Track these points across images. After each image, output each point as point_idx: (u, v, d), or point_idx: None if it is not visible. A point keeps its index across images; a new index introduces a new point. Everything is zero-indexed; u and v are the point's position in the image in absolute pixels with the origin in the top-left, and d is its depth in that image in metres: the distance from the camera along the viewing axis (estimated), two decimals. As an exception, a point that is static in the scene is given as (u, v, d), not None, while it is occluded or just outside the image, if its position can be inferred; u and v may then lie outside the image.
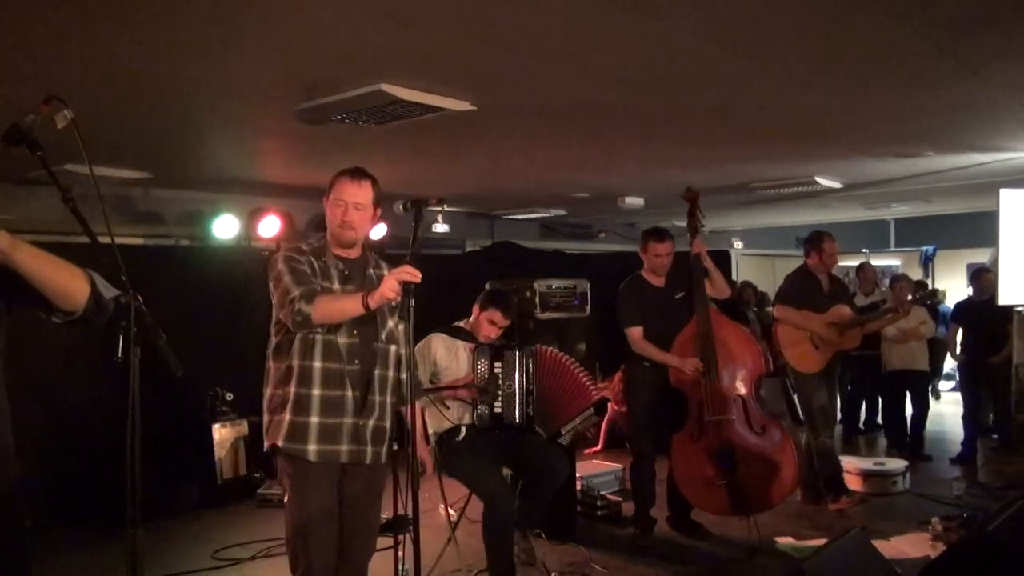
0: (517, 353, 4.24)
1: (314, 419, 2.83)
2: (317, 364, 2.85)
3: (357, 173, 2.99)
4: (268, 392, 2.95)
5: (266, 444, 2.93)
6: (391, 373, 3.03)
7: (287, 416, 2.84)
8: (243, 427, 6.61)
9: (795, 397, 6.05)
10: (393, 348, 3.03)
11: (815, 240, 5.80)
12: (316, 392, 2.84)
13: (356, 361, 2.89)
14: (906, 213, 11.81)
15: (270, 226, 7.32)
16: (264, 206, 7.36)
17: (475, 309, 4.45)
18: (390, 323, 3.00)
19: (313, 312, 2.75)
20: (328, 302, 2.80)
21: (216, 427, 6.45)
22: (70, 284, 1.97)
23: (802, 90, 4.29)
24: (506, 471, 4.40)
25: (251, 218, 7.26)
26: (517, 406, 4.21)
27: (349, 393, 2.87)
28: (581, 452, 7.11)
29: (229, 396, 6.59)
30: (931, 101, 4.62)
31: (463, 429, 4.20)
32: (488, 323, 4.35)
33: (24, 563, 2.09)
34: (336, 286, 2.92)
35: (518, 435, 4.27)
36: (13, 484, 2.06)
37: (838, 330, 5.66)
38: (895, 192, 8.83)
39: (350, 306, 2.78)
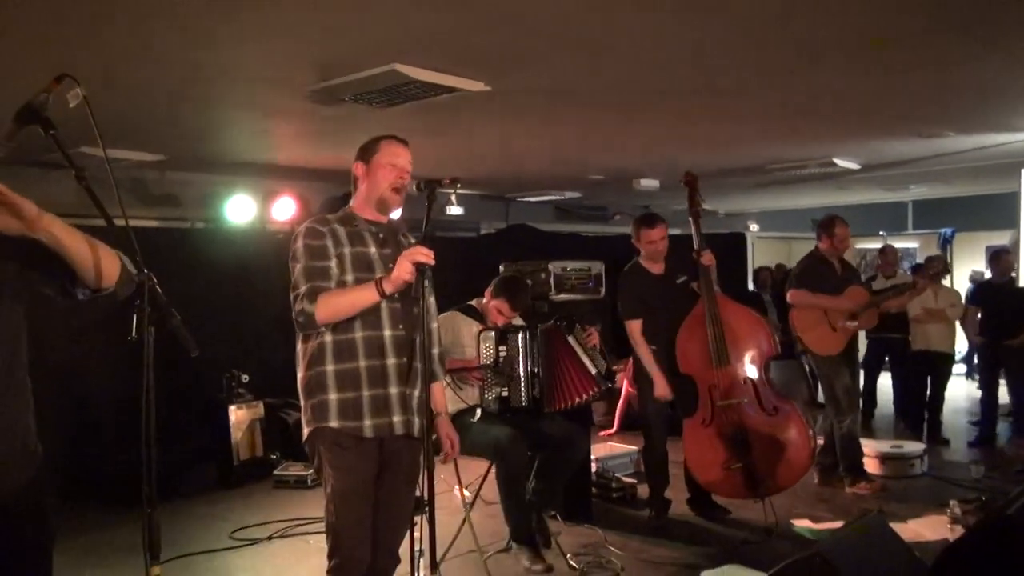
0: (521, 336, 4.22)
1: (365, 393, 2.73)
2: (359, 335, 2.74)
3: (404, 140, 2.92)
4: (301, 375, 2.82)
5: (307, 429, 2.80)
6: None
7: (332, 395, 2.74)
8: (259, 409, 6.65)
9: (815, 380, 6.04)
10: (426, 318, 2.99)
11: (827, 224, 5.78)
12: (362, 364, 2.73)
13: (400, 327, 2.79)
14: (925, 195, 11.69)
15: (285, 208, 7.33)
16: (278, 189, 7.37)
17: (487, 293, 4.45)
18: (425, 291, 2.97)
19: (317, 311, 2.66)
20: (335, 297, 2.69)
21: (232, 409, 6.48)
22: (104, 259, 1.98)
23: (820, 69, 4.24)
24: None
25: (266, 200, 7.27)
26: (523, 389, 4.20)
27: (393, 361, 2.77)
28: (596, 435, 7.11)
29: (245, 378, 6.62)
30: (952, 80, 4.55)
31: (478, 411, 4.21)
32: (496, 311, 4.37)
33: (49, 539, 2.12)
34: (372, 249, 2.81)
35: (532, 415, 4.27)
36: (37, 463, 2.08)
37: (855, 312, 5.63)
38: (914, 173, 8.74)
39: (363, 296, 2.69)
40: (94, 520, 5.36)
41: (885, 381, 8.48)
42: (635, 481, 5.73)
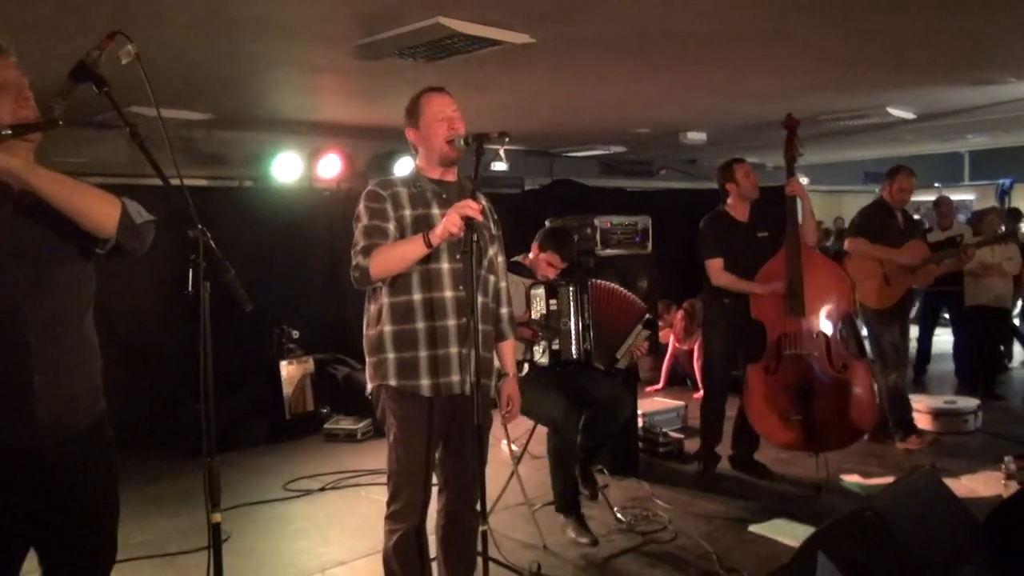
0: (572, 289, 4.23)
1: (422, 353, 2.76)
2: (416, 296, 2.77)
3: (442, 88, 2.91)
4: (366, 333, 2.89)
5: (370, 386, 2.89)
6: (491, 303, 2.99)
7: (391, 354, 2.79)
8: (309, 364, 6.77)
9: (863, 333, 5.93)
10: (492, 278, 2.98)
11: (892, 172, 5.67)
12: (420, 325, 2.76)
13: (460, 287, 2.80)
14: (982, 145, 11.33)
15: (330, 166, 7.37)
16: (324, 146, 7.40)
17: (534, 247, 4.44)
18: (491, 251, 2.96)
19: (371, 266, 2.69)
20: (387, 251, 2.72)
21: (283, 364, 6.62)
22: (95, 208, 1.96)
23: (874, 13, 4.09)
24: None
25: (312, 158, 7.31)
26: (574, 342, 4.22)
27: (452, 322, 2.79)
28: (642, 390, 7.11)
29: (295, 334, 6.74)
30: (1013, 22, 4.36)
31: (526, 365, 4.22)
32: (546, 264, 4.36)
33: (114, 488, 2.21)
34: (435, 210, 2.80)
35: (580, 371, 4.28)
36: (101, 415, 2.16)
37: (911, 268, 5.51)
38: (972, 123, 8.45)
39: (411, 249, 2.70)
40: (155, 469, 5.55)
41: (941, 336, 8.32)
42: (682, 436, 5.74)
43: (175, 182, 1.96)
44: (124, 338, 5.93)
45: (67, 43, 3.17)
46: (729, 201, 4.97)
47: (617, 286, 4.54)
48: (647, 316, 4.62)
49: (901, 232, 5.60)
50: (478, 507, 2.74)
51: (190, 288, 1.92)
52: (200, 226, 1.92)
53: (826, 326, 4.66)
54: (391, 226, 2.78)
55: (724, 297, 4.89)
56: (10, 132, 1.89)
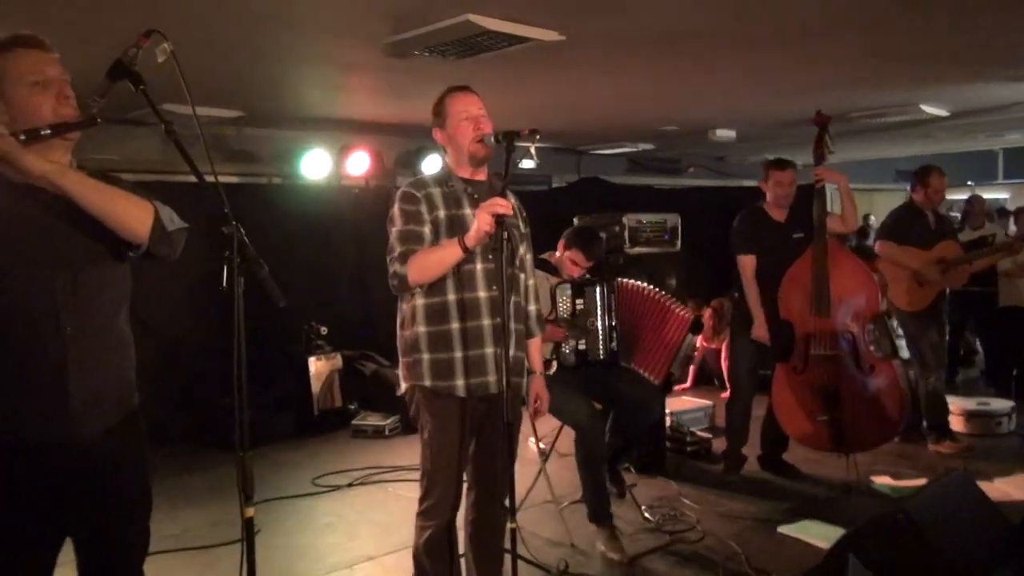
0: (599, 288, 4.20)
1: (458, 354, 2.78)
2: (451, 297, 2.78)
3: (466, 87, 2.91)
4: (399, 334, 2.90)
5: (404, 386, 2.90)
6: (522, 301, 2.99)
7: (426, 355, 2.80)
8: (337, 360, 6.82)
9: (895, 336, 5.86)
10: (522, 276, 2.99)
11: (922, 174, 5.54)
12: (455, 326, 2.78)
13: (494, 287, 2.80)
14: (1017, 142, 11.14)
15: (359, 163, 7.40)
16: (353, 144, 7.44)
17: (560, 245, 4.43)
18: (520, 249, 2.96)
19: (409, 273, 2.70)
20: (423, 257, 2.72)
21: (312, 360, 6.66)
22: (128, 214, 1.98)
23: (907, 8, 4.03)
24: (597, 406, 4.40)
25: (340, 156, 7.35)
26: (601, 342, 4.20)
27: (487, 322, 2.80)
28: (671, 389, 7.07)
29: (324, 330, 6.79)
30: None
31: (554, 364, 4.21)
32: (570, 262, 4.33)
33: (146, 482, 2.24)
34: (467, 211, 2.80)
35: (607, 370, 4.26)
36: (135, 410, 2.19)
37: (942, 268, 5.42)
38: (1008, 120, 8.32)
39: (448, 253, 2.70)
40: (186, 463, 5.62)
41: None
42: (709, 436, 5.71)
43: (209, 179, 1.98)
44: (156, 333, 6.00)
45: (101, 41, 3.20)
46: (768, 198, 4.93)
47: (661, 295, 4.43)
48: (696, 318, 4.56)
49: (932, 232, 5.52)
50: (507, 504, 2.75)
51: (224, 284, 1.94)
52: (234, 223, 1.94)
53: (853, 326, 4.61)
54: (426, 230, 2.77)
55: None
56: (49, 131, 1.91)
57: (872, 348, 4.67)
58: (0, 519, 1.99)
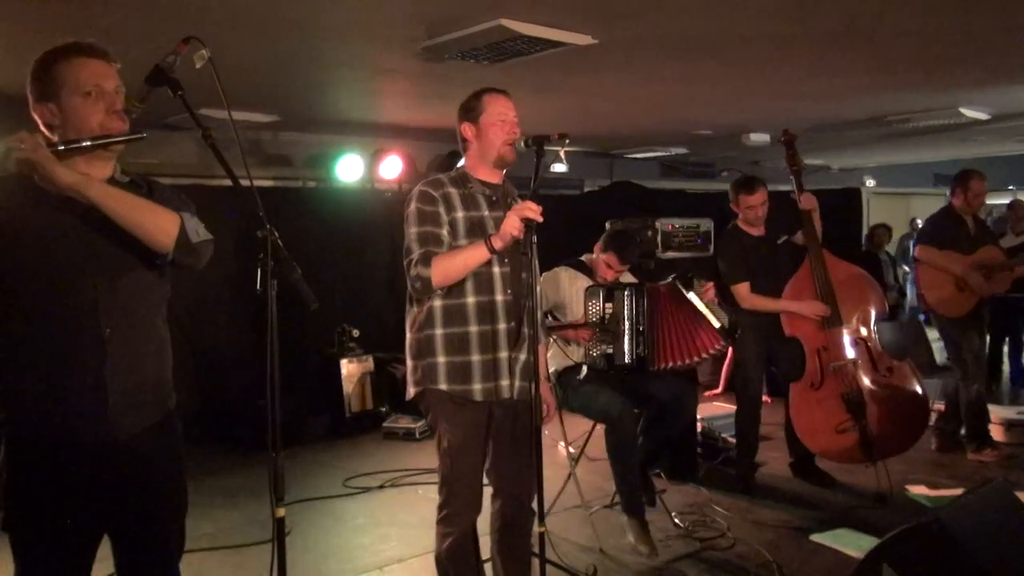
0: (628, 293, 4.18)
1: (475, 358, 2.76)
2: (470, 300, 2.76)
3: (504, 91, 2.88)
4: (410, 336, 2.85)
5: (413, 390, 2.86)
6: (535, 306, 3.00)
7: (441, 358, 2.76)
8: (369, 363, 6.86)
9: (932, 341, 5.76)
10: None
11: (962, 178, 5.44)
12: (472, 329, 2.76)
13: (509, 291, 2.80)
14: (1060, 146, 10.91)
15: (392, 167, 7.45)
16: (386, 148, 7.49)
17: (597, 248, 4.42)
18: (533, 250, 2.97)
19: (433, 275, 2.66)
20: (448, 259, 2.69)
21: (344, 362, 6.72)
22: (153, 225, 2.01)
23: (945, 11, 3.98)
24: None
25: (373, 160, 7.41)
26: (627, 346, 4.17)
27: (503, 326, 2.79)
28: (701, 395, 7.03)
29: (356, 333, 6.84)
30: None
31: (584, 368, 4.21)
32: (605, 266, 4.33)
33: (182, 481, 2.27)
34: (485, 212, 2.80)
35: (638, 375, 4.24)
36: (172, 411, 2.23)
37: (985, 273, 5.32)
38: (1051, 123, 8.16)
39: (474, 255, 2.68)
40: (220, 463, 5.69)
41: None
42: (742, 442, 5.65)
43: (244, 183, 2.01)
44: (192, 335, 6.09)
45: (140, 48, 3.26)
46: (740, 219, 4.88)
47: (708, 312, 4.29)
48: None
49: (972, 238, 5.42)
50: (534, 507, 2.74)
51: (258, 287, 1.96)
52: (268, 226, 1.96)
53: (863, 331, 4.60)
54: (444, 232, 2.75)
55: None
56: (88, 143, 1.96)
57: (883, 349, 4.63)
58: (41, 516, 2.04)
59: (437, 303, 2.78)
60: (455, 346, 2.77)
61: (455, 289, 2.76)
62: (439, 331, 2.78)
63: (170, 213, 2.06)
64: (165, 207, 2.06)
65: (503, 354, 2.80)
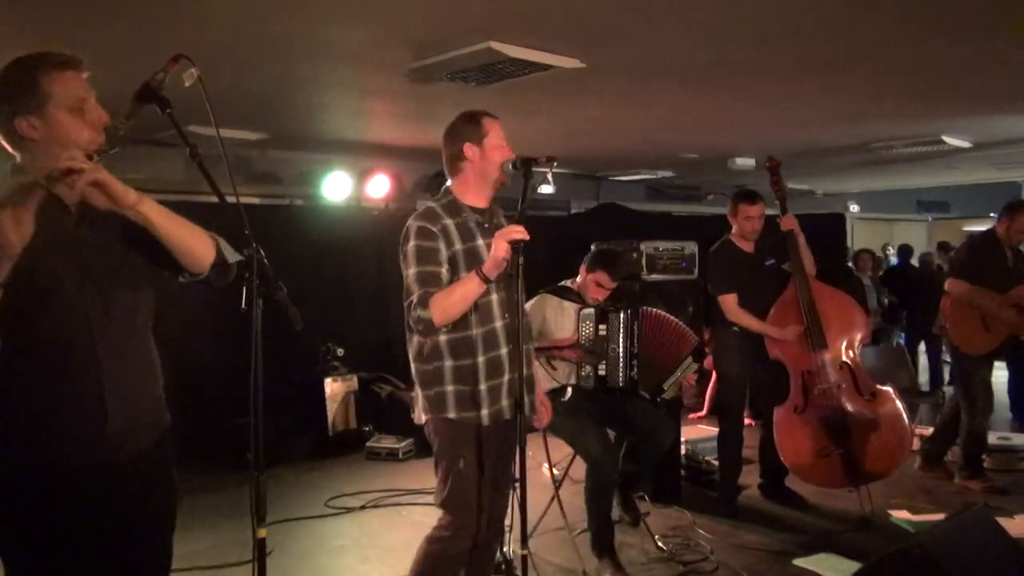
0: (622, 315, 4.19)
1: (482, 386, 2.79)
2: (475, 331, 2.79)
3: (495, 116, 2.92)
4: (417, 367, 2.87)
5: (424, 417, 2.87)
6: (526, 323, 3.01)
7: (450, 387, 2.79)
8: (353, 382, 6.83)
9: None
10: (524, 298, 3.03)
11: (1010, 209, 5.26)
12: (480, 359, 2.79)
13: (506, 315, 2.83)
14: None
15: (379, 186, 7.47)
16: (373, 167, 7.51)
17: (582, 270, 4.42)
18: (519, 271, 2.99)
19: (434, 315, 2.69)
20: (445, 298, 2.71)
21: (328, 381, 6.68)
22: (197, 244, 2.02)
23: (929, 41, 4.04)
24: (611, 433, 4.39)
25: (361, 178, 7.42)
26: (621, 369, 4.17)
27: (504, 350, 2.83)
28: (686, 417, 7.03)
29: (340, 351, 6.81)
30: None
31: (569, 389, 4.20)
32: (595, 285, 4.31)
33: (174, 501, 2.26)
34: (480, 241, 2.81)
35: (623, 398, 4.24)
36: (166, 429, 2.21)
37: (1018, 311, 5.14)
38: (1030, 151, 8.28)
39: (469, 289, 2.71)
40: (201, 483, 5.62)
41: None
42: (725, 465, 5.65)
43: (231, 200, 2.00)
44: (175, 352, 6.03)
45: (129, 64, 3.27)
46: (734, 231, 4.91)
47: (670, 316, 4.47)
48: (698, 347, 4.56)
49: (1008, 270, 5.22)
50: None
51: (243, 305, 1.95)
52: (254, 244, 1.96)
53: (848, 355, 4.63)
54: (443, 270, 2.76)
55: (733, 326, 4.82)
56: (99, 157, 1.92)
57: (867, 373, 4.66)
58: (38, 543, 1.98)
59: (442, 337, 2.79)
60: (464, 377, 2.79)
61: (460, 323, 2.77)
62: (447, 363, 2.80)
63: (207, 233, 2.06)
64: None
65: (506, 377, 2.83)
